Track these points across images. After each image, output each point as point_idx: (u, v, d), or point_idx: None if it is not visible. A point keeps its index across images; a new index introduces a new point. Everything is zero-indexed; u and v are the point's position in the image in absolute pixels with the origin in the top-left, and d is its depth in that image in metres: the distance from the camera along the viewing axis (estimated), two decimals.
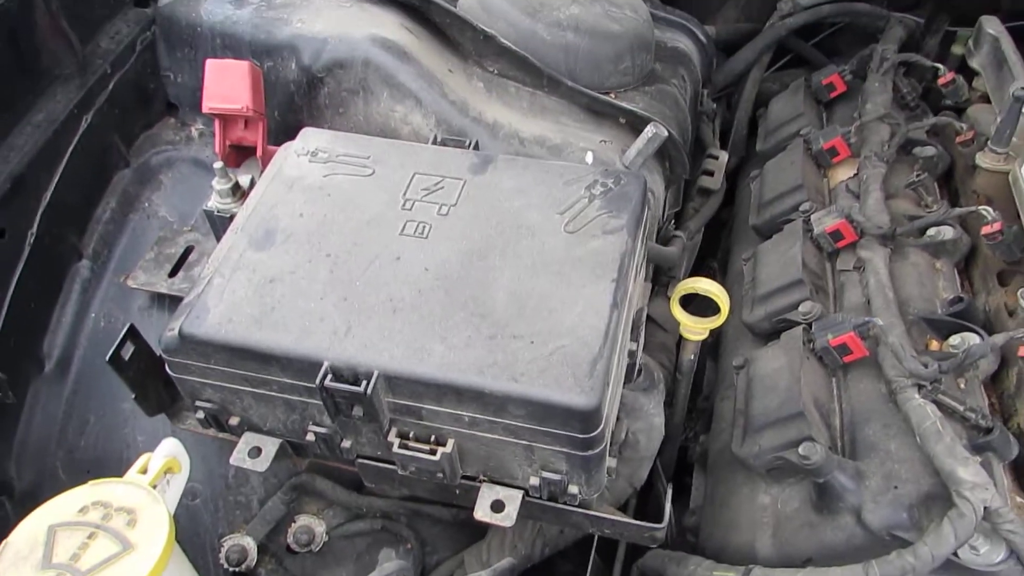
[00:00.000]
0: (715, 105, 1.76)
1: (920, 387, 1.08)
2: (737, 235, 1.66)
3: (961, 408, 1.07)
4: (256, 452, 0.97)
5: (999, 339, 1.08)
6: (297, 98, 1.33)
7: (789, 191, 1.53)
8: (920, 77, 1.76)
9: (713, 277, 1.19)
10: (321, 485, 1.17)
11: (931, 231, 1.37)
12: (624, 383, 1.13)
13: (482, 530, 1.22)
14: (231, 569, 1.15)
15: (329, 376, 0.84)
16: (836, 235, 1.38)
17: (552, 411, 0.81)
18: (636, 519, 1.01)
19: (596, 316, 0.86)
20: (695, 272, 1.66)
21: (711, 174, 1.62)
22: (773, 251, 1.42)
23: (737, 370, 1.28)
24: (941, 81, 1.65)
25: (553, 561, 1.29)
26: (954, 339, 1.19)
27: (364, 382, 0.83)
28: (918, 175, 1.48)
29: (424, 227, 0.96)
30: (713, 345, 1.53)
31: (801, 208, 1.46)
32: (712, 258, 1.76)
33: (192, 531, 1.18)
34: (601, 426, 0.83)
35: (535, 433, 0.84)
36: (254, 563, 1.16)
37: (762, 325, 1.32)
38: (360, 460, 0.98)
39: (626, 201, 0.97)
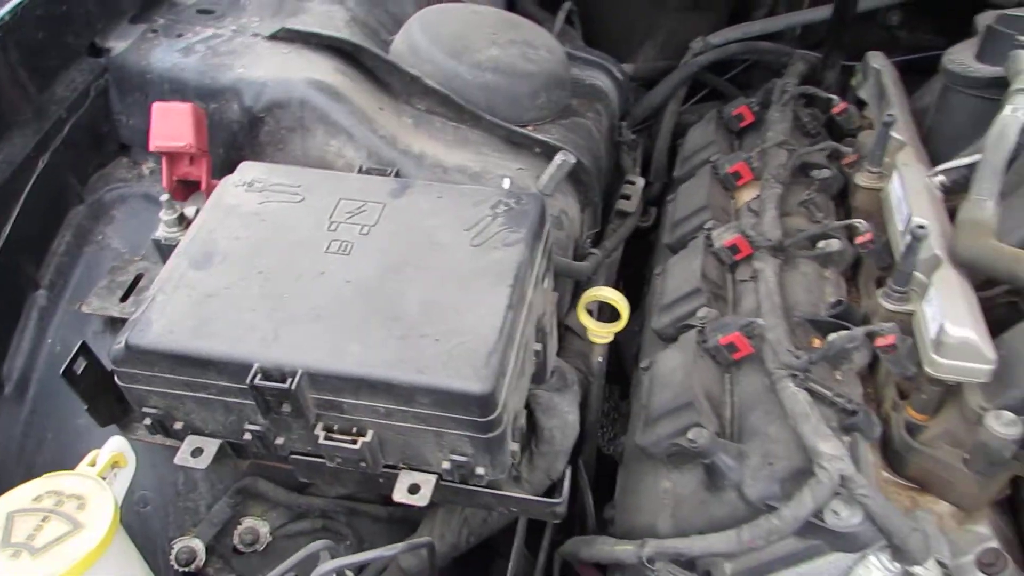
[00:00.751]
0: (634, 136, 1.92)
1: (794, 376, 1.23)
2: (656, 253, 1.81)
3: (829, 394, 1.21)
4: (198, 452, 1.07)
5: (859, 332, 1.23)
6: (240, 136, 1.46)
7: (696, 211, 1.68)
8: (823, 108, 1.94)
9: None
10: (263, 487, 1.27)
11: (821, 243, 1.52)
12: (537, 383, 1.27)
13: (416, 526, 1.33)
14: (181, 569, 1.24)
15: (259, 376, 0.95)
16: (734, 249, 1.53)
17: (453, 398, 0.93)
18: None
19: (493, 316, 0.99)
20: (620, 285, 1.80)
21: (628, 198, 1.77)
22: (678, 265, 1.57)
23: (644, 371, 1.42)
24: (835, 110, 1.83)
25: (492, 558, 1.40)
26: (831, 336, 1.34)
27: (289, 379, 0.95)
28: (809, 194, 1.64)
29: (347, 245, 1.09)
30: (635, 353, 1.67)
31: (705, 226, 1.61)
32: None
33: (144, 536, 1.27)
34: (498, 411, 0.95)
35: (441, 419, 0.96)
36: (202, 563, 1.25)
37: (667, 331, 1.45)
38: (293, 456, 1.09)
39: (525, 218, 1.11)
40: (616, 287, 1.58)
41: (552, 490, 1.32)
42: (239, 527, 1.30)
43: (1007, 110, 1.25)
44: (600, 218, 1.72)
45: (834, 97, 1.83)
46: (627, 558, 1.16)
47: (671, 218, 1.76)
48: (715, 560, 1.18)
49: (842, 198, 1.75)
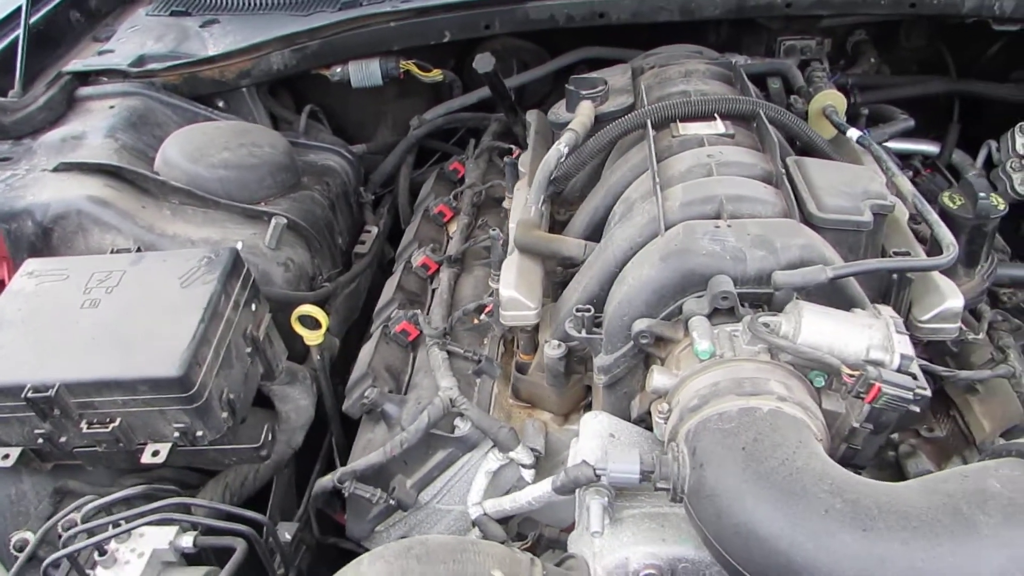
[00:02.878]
0: (373, 195, 2.49)
1: (438, 343, 1.79)
2: None
3: (462, 351, 1.78)
4: (6, 458, 1.54)
5: (471, 306, 1.80)
6: (38, 244, 1.94)
7: (408, 244, 2.26)
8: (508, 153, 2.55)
9: None
10: (72, 484, 1.73)
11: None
12: (269, 379, 1.78)
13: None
14: (17, 553, 1.67)
15: (30, 391, 1.44)
16: (425, 267, 2.11)
17: (159, 383, 1.44)
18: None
19: (188, 326, 1.51)
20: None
21: (363, 243, 2.34)
22: (389, 283, 2.14)
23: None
24: (514, 155, 2.44)
25: None
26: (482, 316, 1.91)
27: (51, 390, 1.44)
28: (485, 221, 2.24)
29: (95, 301, 1.60)
30: None
31: (408, 254, 2.19)
32: None
33: None
34: (195, 388, 1.46)
35: (158, 400, 1.47)
36: (35, 547, 1.69)
37: (375, 331, 2.00)
38: (75, 450, 1.57)
39: (219, 264, 1.64)
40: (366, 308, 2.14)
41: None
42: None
43: (555, 144, 1.86)
44: (341, 260, 2.27)
45: (511, 147, 2.45)
46: (326, 484, 1.67)
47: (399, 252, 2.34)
48: (400, 479, 1.71)
49: None
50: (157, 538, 1.53)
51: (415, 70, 2.44)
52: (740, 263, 1.39)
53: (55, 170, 2.01)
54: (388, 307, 2.00)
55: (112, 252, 1.78)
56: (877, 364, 1.24)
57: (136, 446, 1.54)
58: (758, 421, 1.18)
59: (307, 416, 1.85)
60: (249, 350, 1.68)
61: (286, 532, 1.73)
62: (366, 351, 1.86)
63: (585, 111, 1.96)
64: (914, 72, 2.75)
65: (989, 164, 2.40)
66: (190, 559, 1.51)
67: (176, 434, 1.52)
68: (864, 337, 1.26)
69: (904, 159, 2.40)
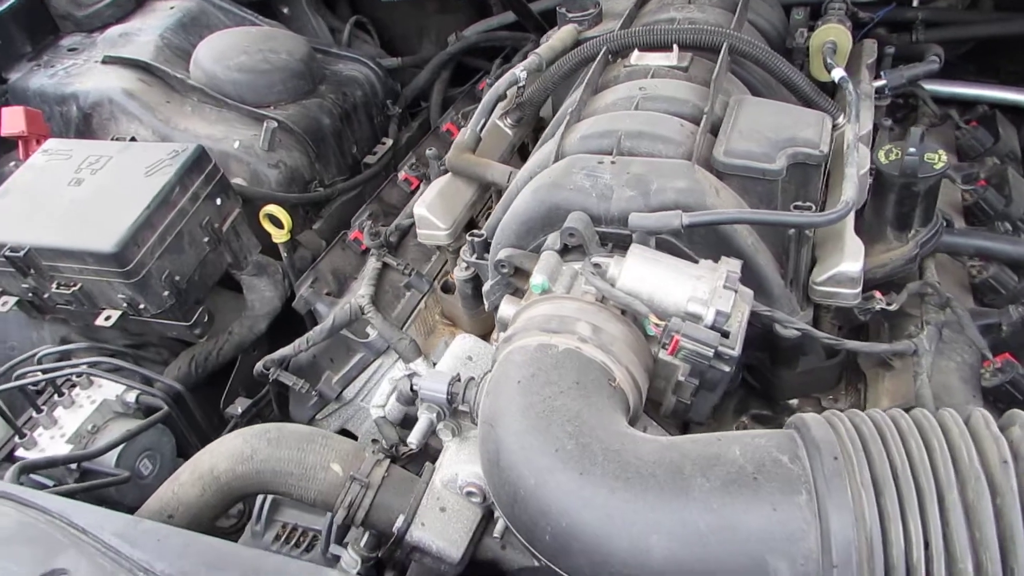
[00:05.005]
0: (400, 110, 2.57)
1: (376, 254, 1.88)
2: None
3: (394, 263, 1.86)
4: (4, 303, 1.84)
5: (405, 222, 1.86)
6: (81, 126, 2.24)
7: (407, 159, 2.34)
8: None
9: None
10: (74, 336, 2.03)
11: None
12: (237, 269, 1.97)
13: None
14: None
15: (7, 251, 1.71)
16: (408, 181, 2.18)
17: (100, 256, 1.66)
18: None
19: (134, 210, 1.70)
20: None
21: (375, 154, 2.44)
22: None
23: None
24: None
25: None
26: None
27: (23, 251, 1.70)
28: None
29: (80, 181, 1.83)
30: None
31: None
32: None
33: None
34: (132, 265, 1.66)
35: (101, 272, 1.68)
36: None
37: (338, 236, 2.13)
38: (59, 307, 1.84)
39: (181, 156, 1.81)
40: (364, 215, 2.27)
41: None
42: None
43: (513, 68, 1.83)
44: (349, 168, 2.39)
45: None
46: (257, 369, 1.84)
47: None
48: (328, 375, 1.86)
49: None
50: (109, 391, 1.79)
51: None
52: (605, 201, 1.35)
53: (102, 62, 2.28)
54: (360, 215, 2.11)
55: (111, 140, 2.01)
56: (694, 317, 1.18)
57: (97, 309, 1.79)
58: (546, 358, 1.17)
59: (271, 306, 2.03)
60: (207, 239, 1.86)
61: (239, 407, 1.95)
62: (323, 255, 2.00)
63: (561, 35, 1.91)
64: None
65: None
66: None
67: (123, 303, 1.74)
68: (687, 289, 1.20)
69: (953, 105, 2.10)
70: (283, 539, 1.70)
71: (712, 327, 1.16)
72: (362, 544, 1.46)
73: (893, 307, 1.38)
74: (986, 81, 2.29)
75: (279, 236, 1.98)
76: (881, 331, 1.51)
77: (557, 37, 1.90)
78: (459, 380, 1.30)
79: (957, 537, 0.87)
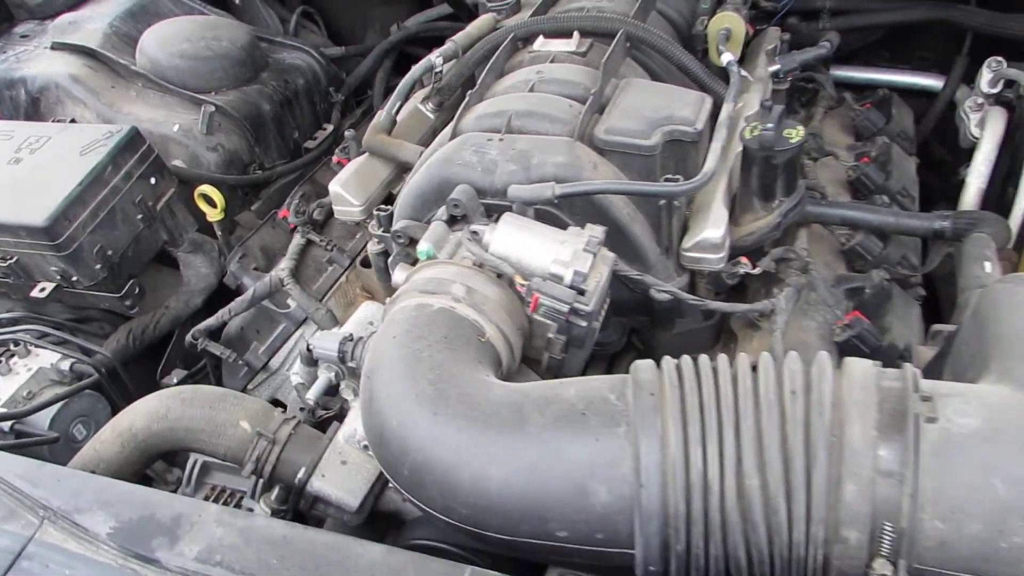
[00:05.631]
0: (342, 96, 2.67)
1: (301, 231, 1.98)
2: None
3: (317, 240, 1.97)
4: None
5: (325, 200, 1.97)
6: (29, 110, 2.34)
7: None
8: None
9: None
10: (18, 308, 2.13)
11: None
12: (173, 246, 2.07)
13: None
14: None
15: None
16: (340, 165, 2.29)
17: (31, 230, 1.76)
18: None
19: (66, 187, 1.80)
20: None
21: (315, 139, 2.54)
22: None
23: None
24: None
25: None
26: None
27: None
28: None
29: (19, 160, 1.94)
30: None
31: None
32: None
33: None
34: (62, 239, 1.77)
35: (36, 245, 1.79)
36: None
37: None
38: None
39: (116, 137, 1.92)
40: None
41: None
42: None
43: (431, 55, 1.94)
44: (290, 153, 2.50)
45: None
46: (189, 338, 1.94)
47: None
48: (255, 345, 1.96)
49: None
50: (45, 360, 1.89)
51: None
52: (489, 175, 1.46)
53: (51, 48, 2.38)
54: (293, 196, 2.21)
55: (54, 120, 2.11)
56: (556, 277, 1.29)
57: (33, 282, 1.89)
58: (421, 316, 1.28)
59: (207, 282, 2.13)
60: (141, 216, 1.97)
61: (175, 378, 2.05)
62: (252, 232, 2.10)
63: (479, 23, 2.02)
64: None
65: None
66: None
67: (58, 276, 1.85)
68: (550, 252, 1.31)
69: (850, 88, 2.22)
70: (211, 499, 1.81)
71: (571, 286, 1.28)
72: (272, 497, 1.57)
73: (756, 271, 1.49)
74: (892, 66, 2.41)
75: (213, 215, 2.09)
76: (758, 296, 1.63)
77: (474, 25, 2.01)
78: (351, 340, 1.41)
79: (746, 459, 0.98)
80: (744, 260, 1.51)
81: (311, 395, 1.45)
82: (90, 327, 2.16)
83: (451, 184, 1.48)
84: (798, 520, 0.96)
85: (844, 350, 1.44)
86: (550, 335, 1.34)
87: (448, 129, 1.64)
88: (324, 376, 1.47)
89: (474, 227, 1.38)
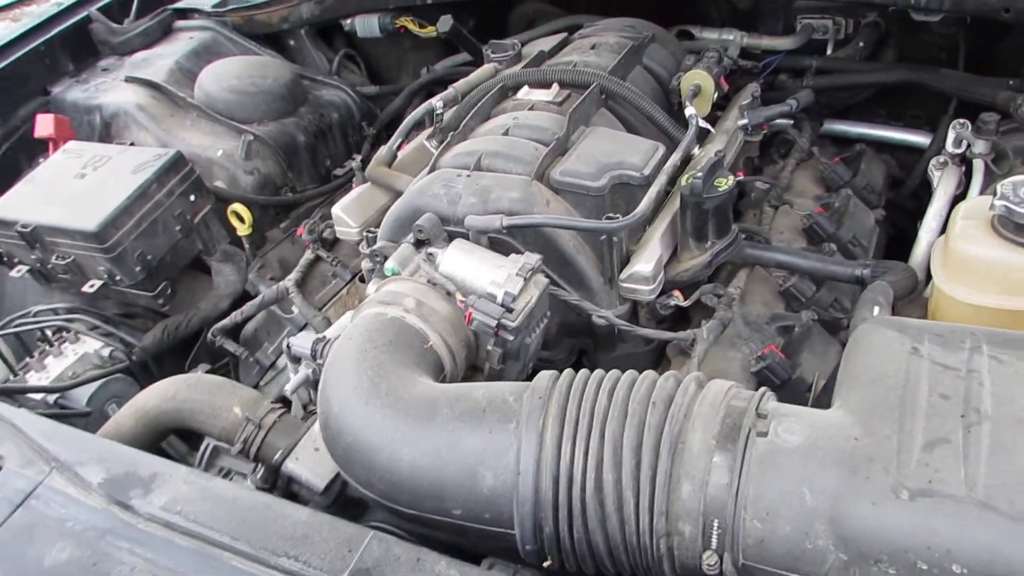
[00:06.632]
0: (374, 131, 2.95)
1: (311, 247, 2.24)
2: None
3: (325, 256, 2.22)
4: (19, 271, 2.28)
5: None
6: (103, 133, 2.69)
7: None
8: None
9: None
10: (77, 301, 2.46)
11: None
12: (208, 255, 2.37)
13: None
14: None
15: (20, 227, 2.14)
16: None
17: (85, 234, 2.07)
18: None
19: (116, 200, 2.11)
20: None
21: (343, 167, 2.82)
22: None
23: None
24: None
25: None
26: None
27: (30, 228, 2.13)
28: None
29: (84, 175, 2.27)
30: None
31: None
32: None
33: None
34: (109, 243, 2.07)
35: (87, 247, 2.10)
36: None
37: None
38: (59, 276, 2.26)
39: (163, 159, 2.23)
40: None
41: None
42: None
43: (433, 98, 2.18)
44: (321, 180, 2.78)
45: None
46: (209, 336, 2.22)
47: None
48: (265, 346, 2.22)
49: None
50: (90, 346, 2.20)
51: (412, 26, 2.83)
52: (453, 206, 1.68)
53: (126, 80, 2.74)
54: (314, 216, 2.48)
55: (117, 143, 2.46)
56: (490, 296, 1.50)
57: (86, 279, 2.21)
58: (375, 323, 1.51)
59: (233, 288, 2.41)
60: (179, 228, 2.27)
61: (199, 370, 2.33)
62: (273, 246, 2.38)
63: (480, 72, 2.26)
64: (933, 61, 2.59)
65: None
66: None
67: (105, 275, 2.16)
68: (489, 274, 1.52)
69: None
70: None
71: (501, 304, 1.48)
72: (258, 476, 1.81)
73: (686, 304, 1.66)
74: (886, 123, 2.53)
75: (242, 230, 2.38)
76: (697, 326, 1.78)
77: (476, 73, 2.25)
78: (323, 340, 1.64)
79: (606, 456, 1.16)
80: (676, 293, 1.68)
81: (289, 388, 1.69)
82: (135, 322, 2.47)
83: (421, 212, 1.70)
84: (644, 512, 1.13)
85: (760, 380, 1.59)
86: (488, 347, 1.54)
87: (430, 164, 1.87)
88: (303, 372, 1.70)
89: (431, 250, 1.60)
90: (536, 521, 1.19)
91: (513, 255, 1.57)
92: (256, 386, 2.32)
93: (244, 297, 2.44)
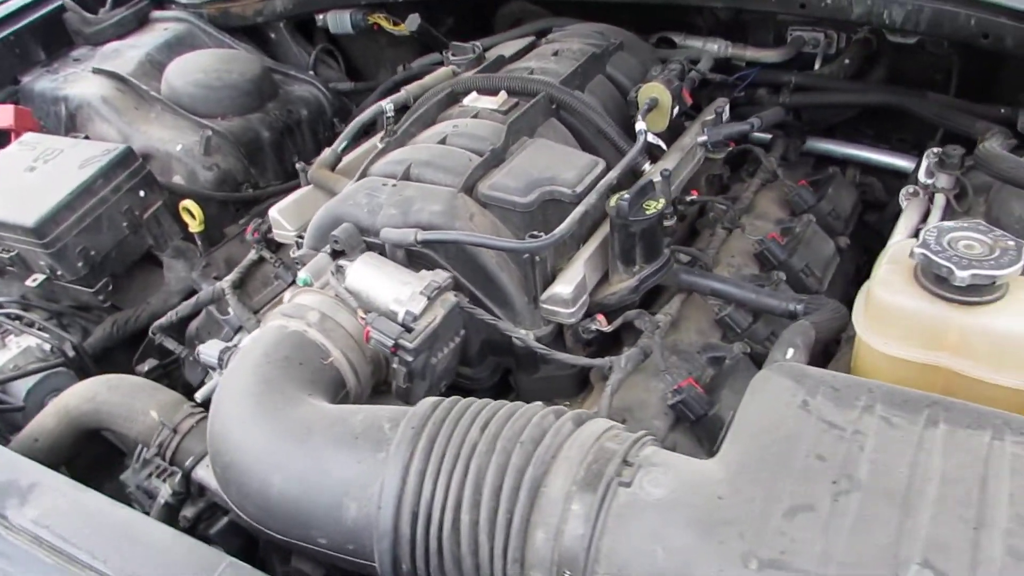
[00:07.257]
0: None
1: (255, 248, 2.21)
2: None
3: (267, 257, 2.18)
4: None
5: None
6: (68, 124, 2.68)
7: None
8: None
9: None
10: (31, 295, 2.46)
11: None
12: (159, 251, 2.34)
13: None
14: None
15: None
16: None
17: (25, 229, 2.05)
18: None
19: (59, 194, 2.09)
20: None
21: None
22: None
23: None
24: None
25: None
26: None
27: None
28: None
29: (34, 168, 2.25)
30: None
31: None
32: None
33: None
34: (48, 239, 2.05)
35: (29, 242, 2.08)
36: None
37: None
38: (7, 269, 2.25)
39: (110, 154, 2.20)
40: None
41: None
42: None
43: (381, 101, 2.13)
44: (291, 174, 2.74)
45: None
46: (150, 332, 2.19)
47: None
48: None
49: None
50: (33, 340, 2.18)
51: (385, 23, 2.78)
52: (373, 216, 1.63)
53: (92, 72, 2.73)
54: (262, 215, 2.44)
55: (81, 137, 2.44)
56: (392, 314, 1.44)
57: (30, 273, 2.20)
58: (274, 336, 1.46)
59: (184, 284, 2.38)
60: (126, 224, 2.25)
61: (146, 366, 2.31)
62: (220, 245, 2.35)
63: (436, 75, 2.20)
64: (925, 82, 2.47)
65: None
66: None
67: (47, 270, 2.14)
68: (393, 291, 1.46)
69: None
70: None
71: (401, 323, 1.42)
72: (176, 481, 1.78)
73: (608, 329, 1.59)
74: (873, 144, 2.42)
75: (193, 226, 2.35)
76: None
77: (431, 76, 2.19)
78: (230, 349, 1.60)
79: (466, 497, 1.10)
80: (600, 318, 1.61)
81: (199, 396, 1.65)
82: (91, 315, 2.45)
83: (341, 221, 1.65)
84: (498, 557, 1.07)
85: (676, 414, 1.51)
86: (393, 365, 1.49)
87: (360, 171, 1.82)
88: (215, 379, 1.66)
89: (341, 262, 1.54)
90: (394, 557, 1.13)
91: (423, 272, 1.51)
92: (200, 384, 2.29)
93: (196, 293, 2.42)
